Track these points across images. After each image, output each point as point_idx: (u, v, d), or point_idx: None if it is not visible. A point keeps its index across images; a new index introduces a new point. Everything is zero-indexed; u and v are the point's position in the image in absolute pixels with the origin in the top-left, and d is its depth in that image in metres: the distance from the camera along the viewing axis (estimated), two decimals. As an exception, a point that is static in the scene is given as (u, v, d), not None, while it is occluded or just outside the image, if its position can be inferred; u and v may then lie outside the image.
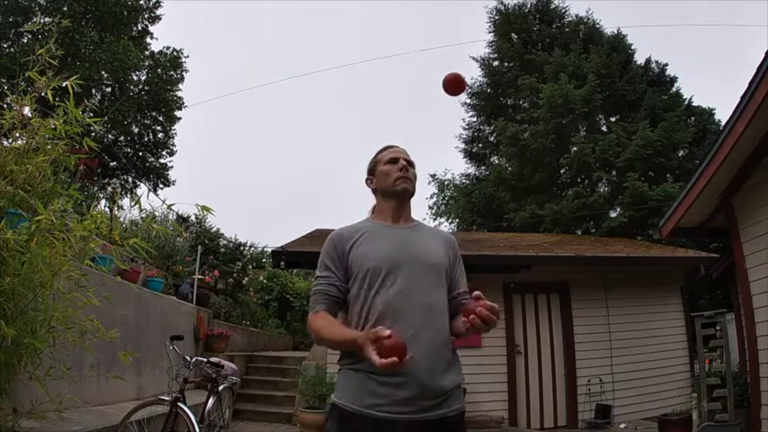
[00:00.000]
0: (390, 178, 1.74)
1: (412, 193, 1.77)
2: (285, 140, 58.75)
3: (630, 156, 13.14)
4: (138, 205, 3.59)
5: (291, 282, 15.54)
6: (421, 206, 22.29)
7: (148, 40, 15.63)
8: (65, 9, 12.95)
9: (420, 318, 1.51)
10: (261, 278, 13.87)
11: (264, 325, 12.99)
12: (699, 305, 9.66)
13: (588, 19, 16.76)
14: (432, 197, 21.93)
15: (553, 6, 17.14)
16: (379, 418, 1.44)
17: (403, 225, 1.74)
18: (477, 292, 1.45)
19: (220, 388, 4.48)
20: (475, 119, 17.76)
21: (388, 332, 1.31)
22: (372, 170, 1.82)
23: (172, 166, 16.77)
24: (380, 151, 1.83)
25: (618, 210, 13.82)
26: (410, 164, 1.78)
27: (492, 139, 17.29)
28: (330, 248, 1.67)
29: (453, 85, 1.79)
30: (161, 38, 20.60)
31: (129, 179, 15.90)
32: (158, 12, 15.41)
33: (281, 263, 7.57)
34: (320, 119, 57.04)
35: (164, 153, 16.62)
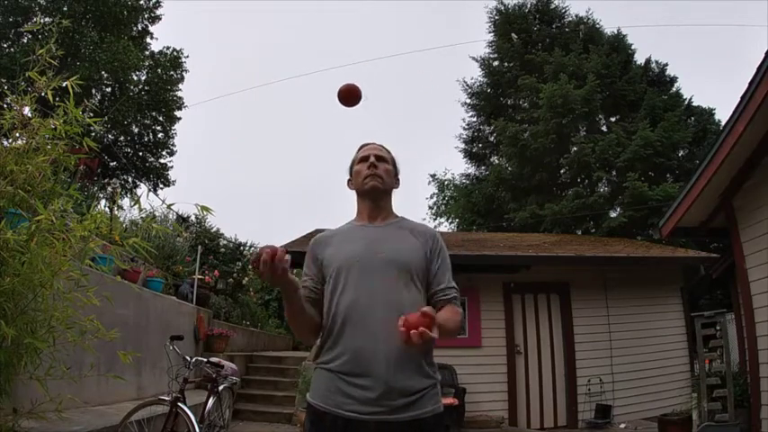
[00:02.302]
0: (360, 177, 1.72)
1: (382, 190, 1.72)
2: (286, 140, 58.82)
3: (630, 156, 13.14)
4: (137, 205, 3.59)
5: (291, 282, 15.51)
6: (421, 206, 22.32)
7: (148, 40, 15.66)
8: (65, 9, 12.97)
9: (384, 318, 1.47)
10: (261, 278, 13.84)
11: (264, 325, 13.00)
12: (699, 305, 9.66)
13: (588, 19, 16.79)
14: (432, 197, 21.96)
15: (553, 6, 17.16)
16: (349, 417, 1.43)
17: (380, 224, 1.71)
18: (426, 308, 1.35)
19: (220, 388, 4.48)
20: (475, 119, 17.77)
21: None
22: (351, 171, 1.81)
23: (172, 166, 16.82)
24: (357, 151, 1.81)
25: (618, 210, 13.83)
26: (381, 159, 1.74)
27: (492, 139, 17.29)
28: (308, 253, 1.72)
29: (346, 96, 1.75)
30: (161, 38, 20.62)
31: (129, 179, 15.91)
32: (158, 12, 15.44)
33: (281, 263, 7.56)
34: (321, 119, 57.11)
35: (164, 153, 16.64)
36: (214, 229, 12.19)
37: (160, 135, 16.41)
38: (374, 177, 1.70)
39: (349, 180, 1.81)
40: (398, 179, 1.81)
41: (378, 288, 1.53)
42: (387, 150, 1.80)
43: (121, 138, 15.70)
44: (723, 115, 14.85)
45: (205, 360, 4.43)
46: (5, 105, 3.47)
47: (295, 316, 1.55)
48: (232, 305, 10.82)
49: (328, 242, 1.69)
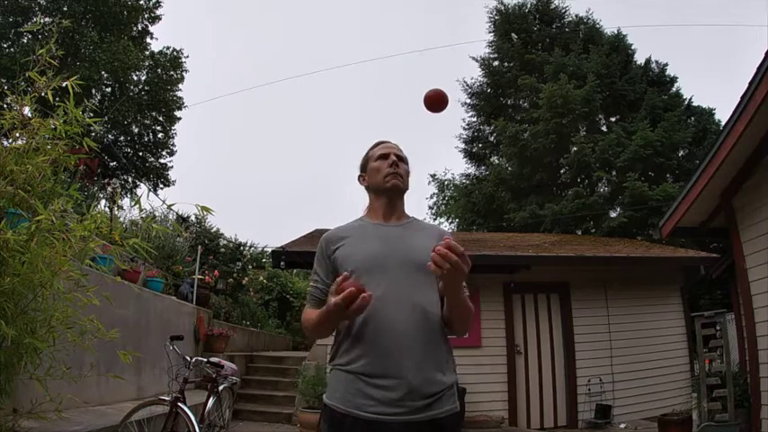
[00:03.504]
0: (380, 175, 1.70)
1: (403, 190, 1.73)
2: (286, 140, 58.83)
3: (630, 156, 13.14)
4: (138, 205, 3.57)
5: (291, 282, 15.55)
6: (421, 206, 22.32)
7: (148, 40, 15.66)
8: (65, 9, 12.97)
9: (406, 318, 1.48)
10: (261, 278, 13.87)
11: (264, 325, 12.99)
12: (699, 305, 9.66)
13: (588, 19, 16.80)
14: (432, 197, 21.97)
15: (553, 6, 17.17)
16: (370, 419, 1.42)
17: (395, 223, 1.70)
18: (447, 238, 1.39)
19: (220, 388, 4.48)
20: (475, 119, 17.77)
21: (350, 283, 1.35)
22: (364, 167, 1.78)
23: (172, 166, 16.84)
24: (372, 147, 1.80)
25: (618, 210, 13.82)
26: (401, 159, 1.74)
27: (492, 139, 17.30)
28: (318, 251, 1.69)
29: (434, 101, 1.74)
30: (161, 38, 20.65)
31: (129, 179, 15.91)
32: (158, 12, 15.44)
33: (281, 263, 7.57)
34: (322, 119, 57.14)
35: (164, 153, 16.65)
36: (214, 229, 12.19)
37: (160, 135, 16.43)
38: (396, 176, 1.69)
39: (361, 176, 1.79)
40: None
41: (398, 289, 1.52)
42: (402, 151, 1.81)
43: (121, 138, 15.70)
44: (723, 115, 14.88)
45: (205, 360, 4.43)
46: (5, 105, 3.47)
47: (325, 332, 1.56)
48: (232, 305, 10.82)
49: (341, 240, 1.65)
